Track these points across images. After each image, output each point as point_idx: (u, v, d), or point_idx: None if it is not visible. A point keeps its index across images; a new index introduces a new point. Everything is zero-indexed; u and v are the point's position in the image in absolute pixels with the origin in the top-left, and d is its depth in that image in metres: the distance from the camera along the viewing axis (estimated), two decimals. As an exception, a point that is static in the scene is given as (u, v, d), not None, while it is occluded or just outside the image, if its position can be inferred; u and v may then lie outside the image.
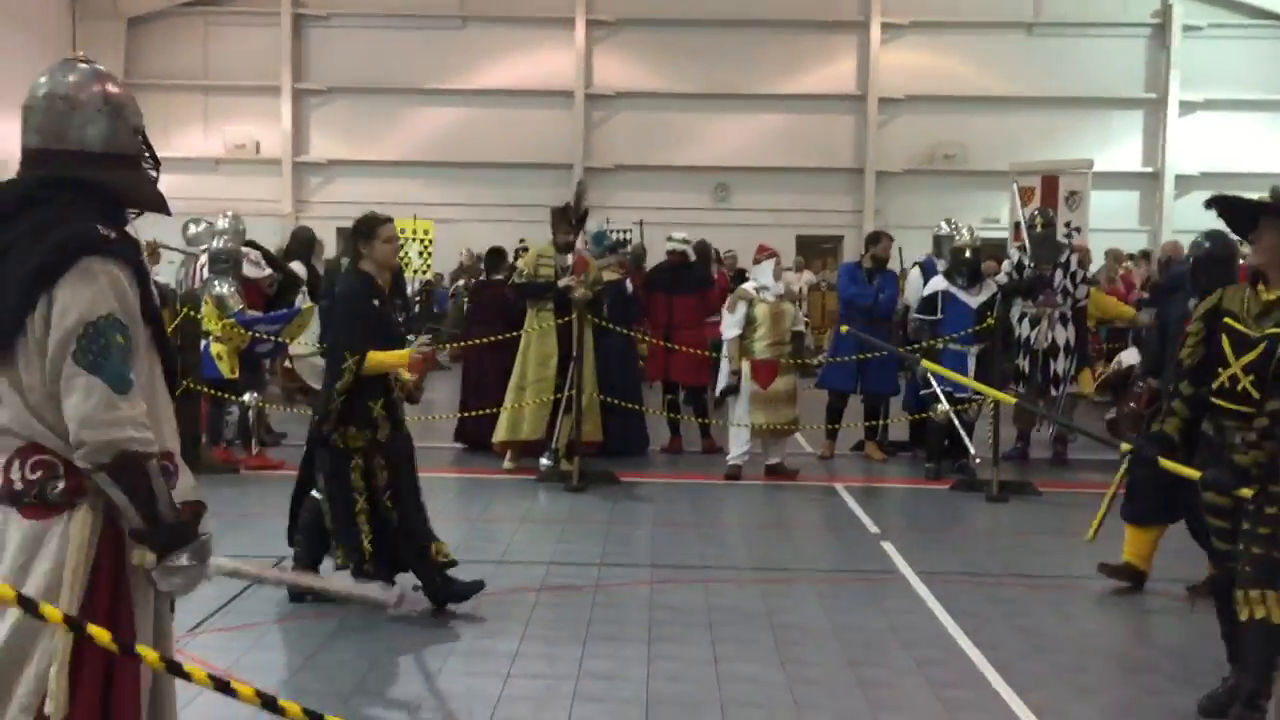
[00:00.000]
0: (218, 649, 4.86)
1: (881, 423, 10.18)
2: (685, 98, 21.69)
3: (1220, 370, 3.99)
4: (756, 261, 9.44)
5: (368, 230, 5.48)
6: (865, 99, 21.63)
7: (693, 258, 11.10)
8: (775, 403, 9.03)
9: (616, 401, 9.35)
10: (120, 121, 2.75)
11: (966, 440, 9.11)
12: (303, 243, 11.16)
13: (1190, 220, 18.53)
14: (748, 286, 9.25)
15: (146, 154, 2.84)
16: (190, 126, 21.58)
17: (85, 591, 2.56)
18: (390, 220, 5.60)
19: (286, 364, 9.65)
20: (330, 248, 21.30)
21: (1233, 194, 4.08)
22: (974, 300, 9.31)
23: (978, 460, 8.91)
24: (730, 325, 9.12)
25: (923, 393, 9.35)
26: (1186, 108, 21.09)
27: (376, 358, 5.36)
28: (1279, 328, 3.84)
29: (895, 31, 21.54)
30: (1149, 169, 21.33)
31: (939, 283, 9.45)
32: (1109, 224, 18.25)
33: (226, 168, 21.67)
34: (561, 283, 8.80)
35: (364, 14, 21.49)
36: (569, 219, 9.17)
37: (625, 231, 17.10)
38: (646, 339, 10.38)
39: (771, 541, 7.40)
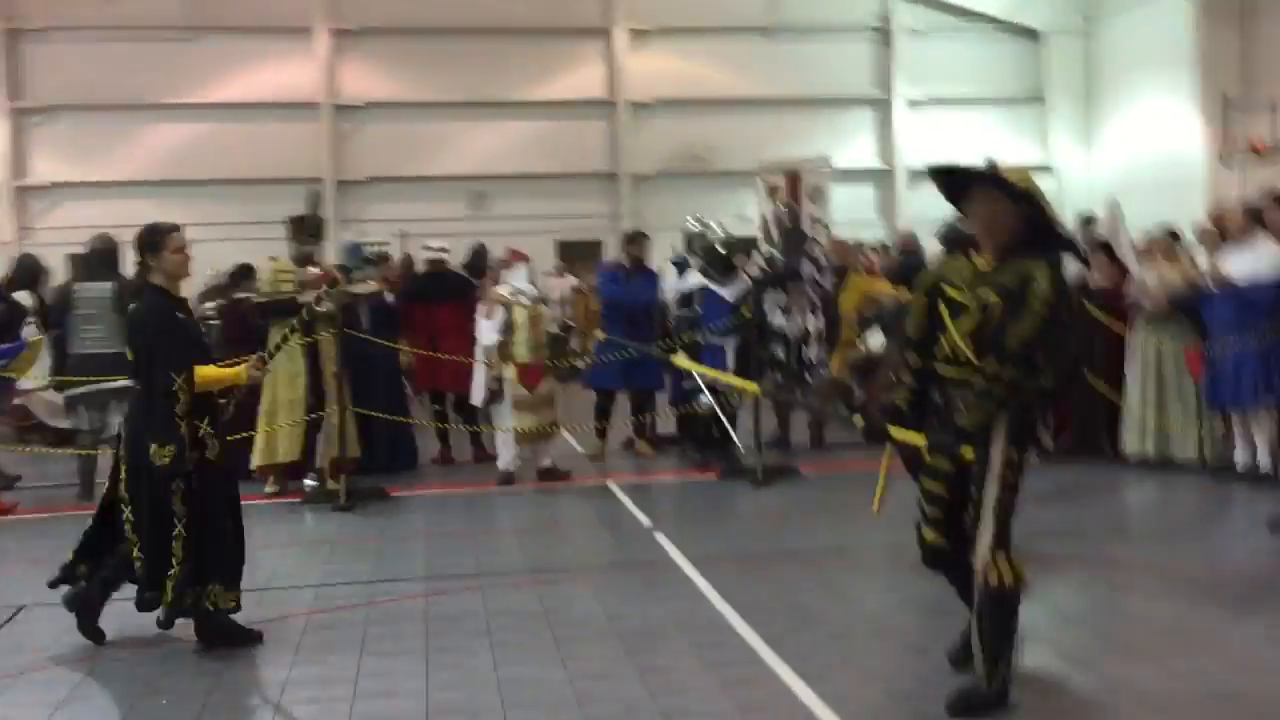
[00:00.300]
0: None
1: (648, 418, 10.36)
2: (437, 106, 21.45)
3: (942, 338, 4.20)
4: (507, 266, 9.44)
5: (154, 242, 5.22)
6: (614, 104, 21.95)
7: (449, 265, 11.00)
8: (538, 406, 9.06)
9: (380, 416, 9.15)
10: None
11: (730, 430, 9.38)
12: (27, 271, 10.42)
13: (923, 211, 19.76)
14: (502, 291, 9.22)
15: None
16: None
17: None
18: (178, 229, 5.33)
19: (17, 401, 8.96)
20: (59, 276, 20.03)
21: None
22: (729, 293, 9.60)
23: (742, 450, 9.19)
24: (489, 331, 9.08)
25: (685, 385, 9.57)
26: (911, 105, 22.38)
27: (210, 374, 5.19)
28: (992, 291, 4.08)
29: (641, 37, 21.95)
30: (883, 164, 22.50)
31: (695, 279, 9.70)
32: (849, 216, 19.12)
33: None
34: (302, 297, 8.50)
35: (86, 27, 20.19)
36: (305, 229, 8.91)
37: (383, 244, 16.72)
38: (403, 349, 10.17)
39: (546, 543, 7.40)
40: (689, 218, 10.52)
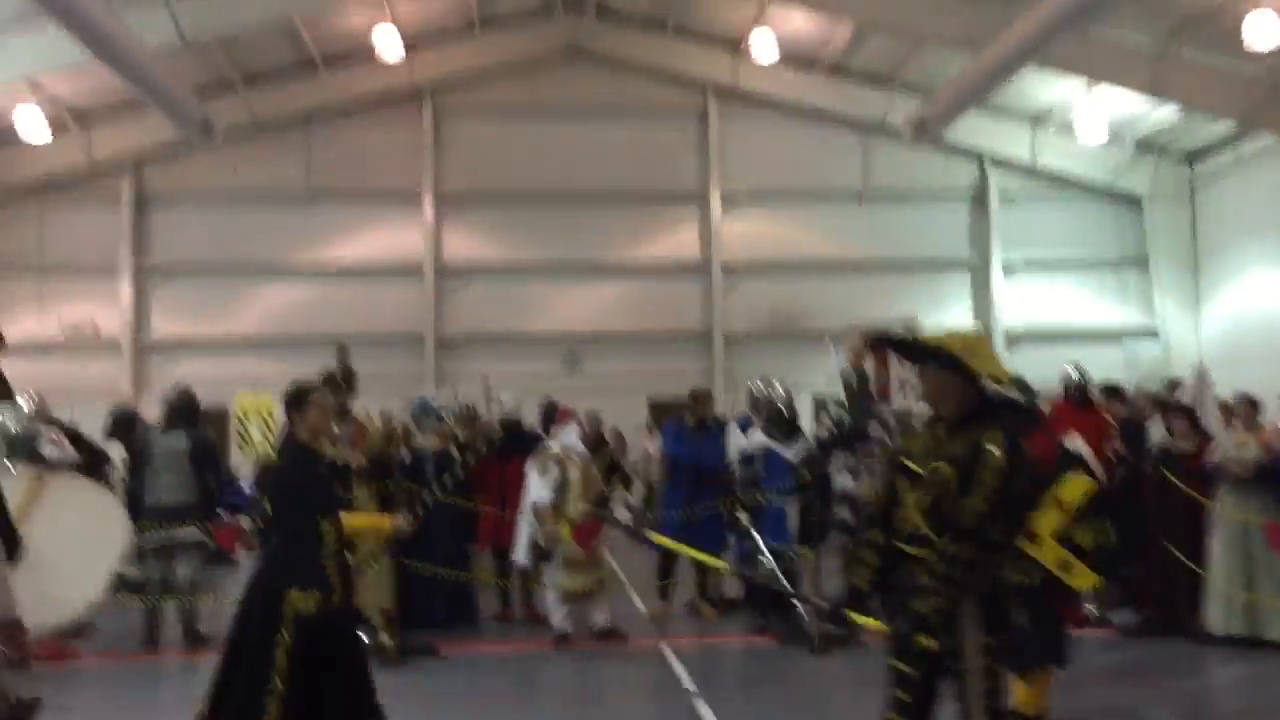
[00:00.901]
0: None
1: (711, 579, 10.18)
2: (535, 268, 22.08)
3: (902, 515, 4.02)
4: (558, 424, 9.51)
5: (298, 400, 5.38)
6: (709, 266, 22.31)
7: (524, 421, 11.12)
8: (588, 565, 8.99)
9: (440, 572, 9.18)
10: None
11: (792, 593, 9.14)
12: (120, 420, 10.83)
13: (1025, 374, 19.38)
14: (553, 448, 9.27)
15: None
16: (24, 310, 21.03)
17: None
18: (320, 388, 5.60)
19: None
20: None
21: (903, 335, 4.24)
22: (791, 454, 9.50)
23: (805, 615, 8.93)
24: (541, 488, 9.10)
25: (746, 545, 9.41)
26: (1009, 269, 22.24)
27: (355, 520, 5.40)
28: (944, 463, 3.93)
29: (734, 202, 22.41)
30: (979, 326, 22.25)
31: (758, 439, 9.64)
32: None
33: (64, 351, 21.07)
34: (331, 454, 8.65)
35: (209, 190, 21.48)
36: (336, 383, 9.15)
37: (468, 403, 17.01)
38: (463, 503, 10.22)
39: (582, 708, 7.24)
40: (755, 380, 10.51)
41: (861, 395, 9.97)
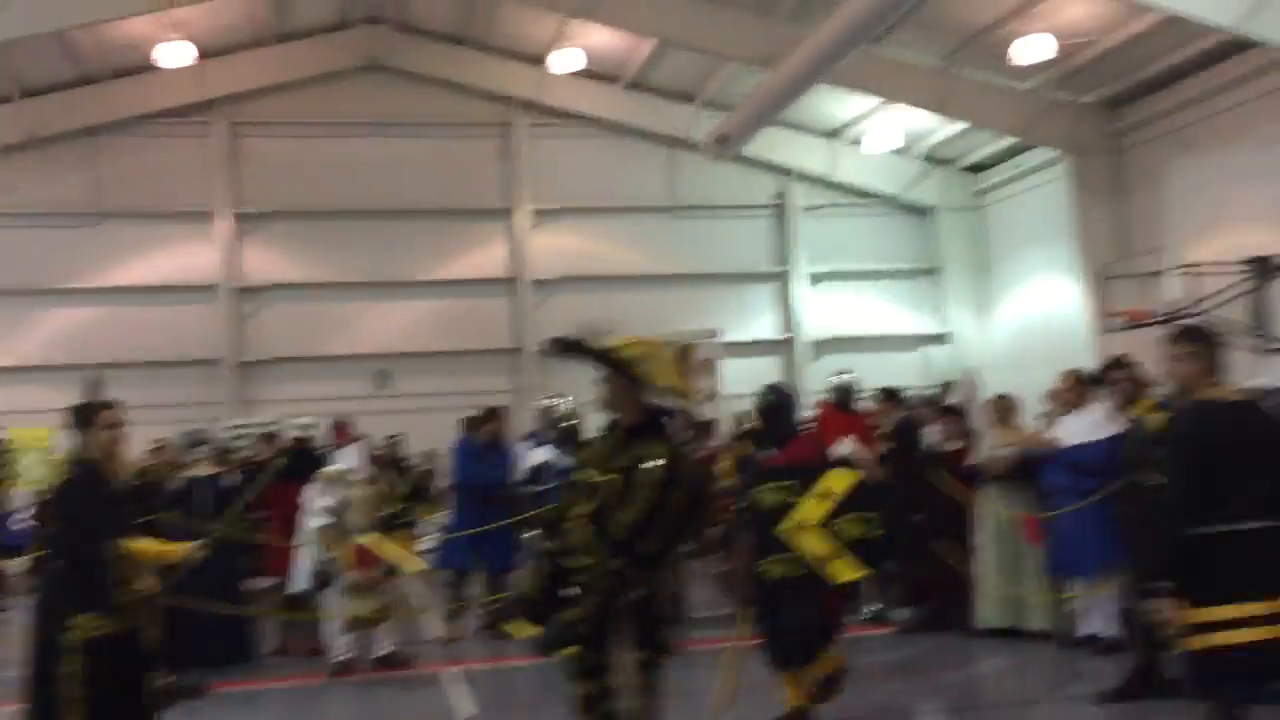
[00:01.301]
0: None
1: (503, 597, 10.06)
2: (340, 286, 21.56)
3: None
4: (338, 446, 9.30)
5: (86, 418, 5.20)
6: (517, 281, 22.20)
7: (315, 443, 10.83)
8: (372, 589, 8.77)
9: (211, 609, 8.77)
10: None
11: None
12: None
13: (825, 379, 19.94)
14: (332, 470, 9.05)
15: None
16: None
17: None
18: (111, 406, 5.34)
19: None
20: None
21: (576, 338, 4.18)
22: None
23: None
24: (320, 512, 8.85)
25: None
26: (810, 279, 22.84)
27: (147, 548, 5.07)
28: (609, 472, 3.93)
29: (542, 217, 22.37)
30: (784, 336, 22.78)
31: (543, 453, 9.60)
32: (751, 387, 19.19)
33: None
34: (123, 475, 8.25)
35: (-14, 213, 20.26)
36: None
37: (270, 424, 16.46)
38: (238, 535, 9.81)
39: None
40: (543, 395, 10.47)
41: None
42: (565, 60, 20.08)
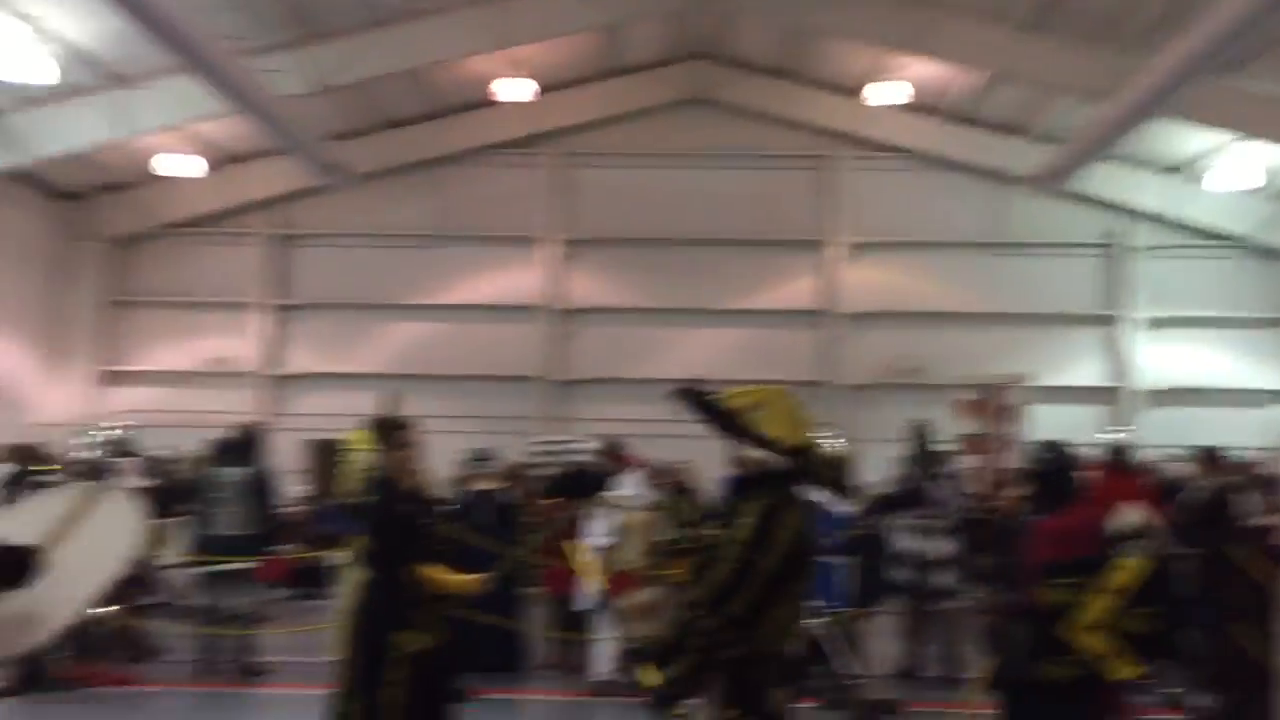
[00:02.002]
0: None
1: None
2: (654, 312, 22.19)
3: None
4: (618, 470, 9.50)
5: (388, 437, 5.45)
6: (826, 313, 22.04)
7: (592, 465, 11.17)
8: (643, 615, 8.88)
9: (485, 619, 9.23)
10: None
11: (836, 656, 8.89)
12: (233, 443, 10.84)
13: (1160, 434, 18.51)
14: (612, 495, 9.27)
15: None
16: (171, 341, 22.26)
17: None
18: (409, 425, 5.48)
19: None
20: (301, 459, 21.62)
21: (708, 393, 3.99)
22: (842, 509, 9.25)
23: (849, 678, 8.67)
24: (595, 536, 9.10)
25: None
26: (1144, 324, 21.28)
27: (438, 577, 5.26)
28: (708, 530, 3.82)
29: (856, 250, 22.11)
30: (1112, 384, 21.33)
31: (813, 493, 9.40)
32: (1066, 436, 18.09)
33: (203, 380, 22.17)
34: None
35: (344, 233, 22.36)
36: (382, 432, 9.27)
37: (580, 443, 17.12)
38: (524, 557, 10.25)
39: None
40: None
41: (925, 451, 9.68)
42: (886, 93, 19.73)
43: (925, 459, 9.78)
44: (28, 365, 21.41)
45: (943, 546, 9.61)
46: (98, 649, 9.00)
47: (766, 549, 3.64)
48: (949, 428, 16.15)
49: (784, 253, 22.27)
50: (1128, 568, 5.53)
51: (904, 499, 9.65)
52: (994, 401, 15.94)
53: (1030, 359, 19.80)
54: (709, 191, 22.03)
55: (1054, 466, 6.12)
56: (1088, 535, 5.88)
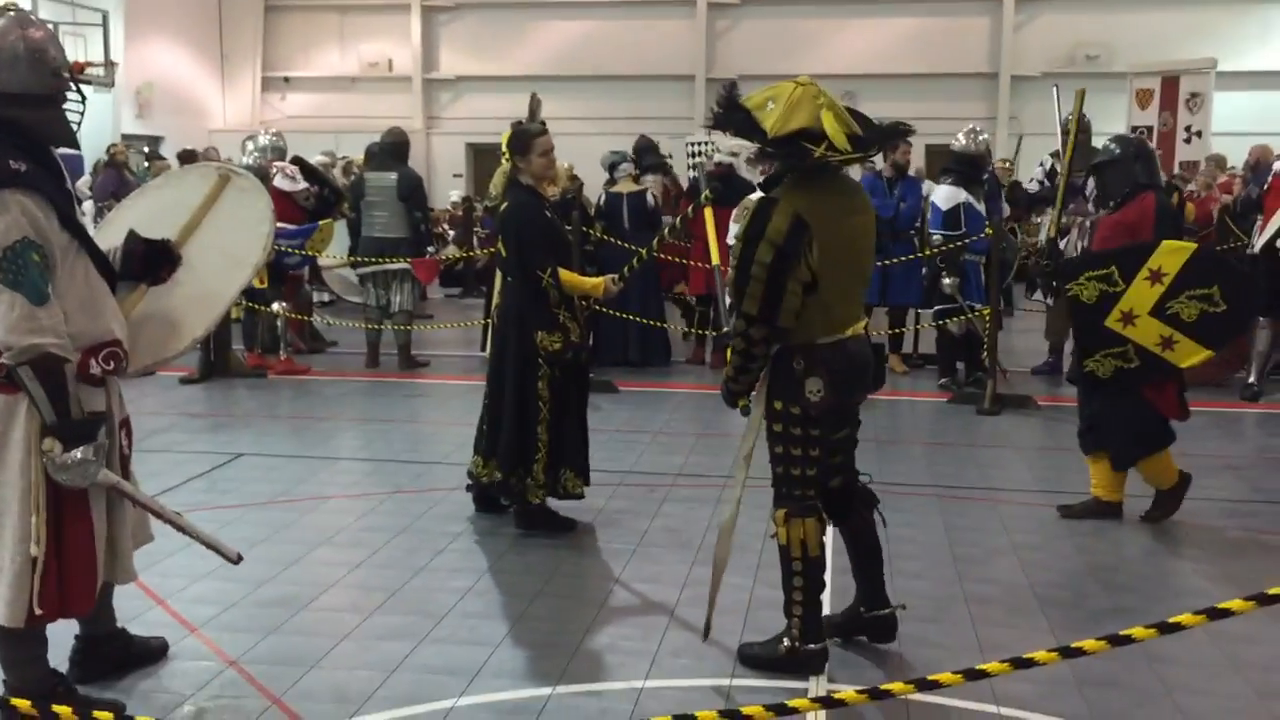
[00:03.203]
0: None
1: (903, 334, 10.06)
2: (810, 3, 21.19)
3: None
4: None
5: (522, 144, 5.44)
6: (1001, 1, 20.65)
7: (740, 170, 11.06)
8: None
9: (625, 315, 9.56)
10: (38, 65, 3.10)
11: (978, 352, 8.95)
12: (387, 147, 10.28)
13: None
14: (753, 197, 9.24)
15: (70, 91, 3.21)
16: (327, 47, 22.54)
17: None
18: (545, 132, 5.51)
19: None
20: (460, 163, 22.09)
21: None
22: (983, 208, 9.05)
23: (988, 374, 8.72)
24: (735, 235, 9.16)
25: (936, 307, 9.19)
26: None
27: (570, 279, 5.40)
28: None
29: (1035, -76, 20.41)
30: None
31: (957, 194, 9.17)
32: (1252, 128, 16.96)
33: (362, 85, 22.53)
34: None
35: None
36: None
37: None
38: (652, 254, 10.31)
39: (714, 450, 7.43)
40: (960, 134, 9.86)
41: (1077, 147, 9.18)
42: None
43: (1076, 153, 9.29)
44: (203, 74, 22.10)
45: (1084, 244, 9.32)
46: (273, 341, 9.71)
47: (755, 245, 3.63)
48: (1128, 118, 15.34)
49: (955, -69, 20.73)
50: (1168, 251, 5.33)
51: (1050, 195, 9.29)
52: (1179, 89, 14.97)
53: (1220, 43, 18.37)
54: None
55: (1117, 161, 5.86)
56: (1133, 227, 5.64)
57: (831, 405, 3.78)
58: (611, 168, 10.38)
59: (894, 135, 3.98)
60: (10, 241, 2.97)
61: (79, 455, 3.12)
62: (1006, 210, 10.45)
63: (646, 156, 11.12)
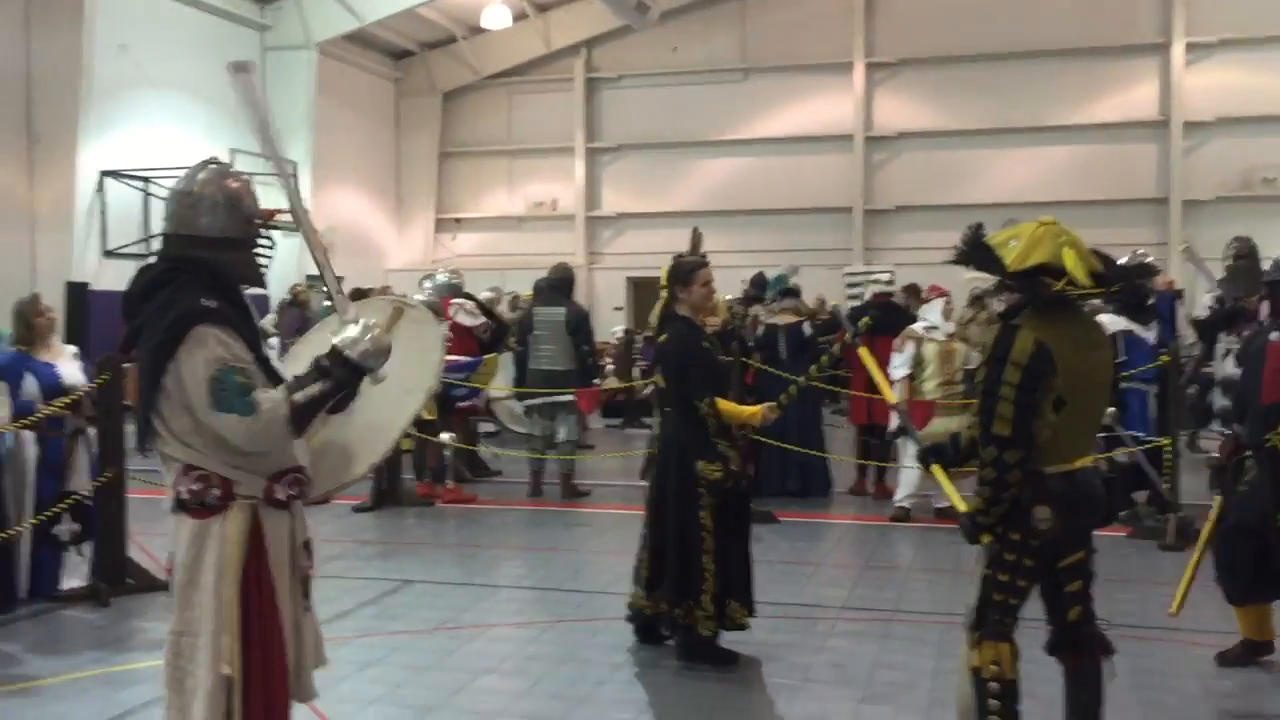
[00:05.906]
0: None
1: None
2: (968, 134, 21.26)
3: None
4: (926, 300, 9.38)
5: (684, 276, 5.55)
6: (1168, 124, 20.29)
7: (898, 298, 11.06)
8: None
9: (784, 445, 9.52)
10: (234, 212, 3.35)
11: (1155, 481, 8.57)
12: (555, 283, 11.00)
13: None
14: (916, 326, 9.23)
15: (261, 236, 3.43)
16: (496, 189, 23.61)
17: (241, 571, 3.27)
18: (706, 264, 5.63)
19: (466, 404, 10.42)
20: (620, 296, 22.57)
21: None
22: (1150, 335, 8.75)
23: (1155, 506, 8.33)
24: (898, 365, 9.14)
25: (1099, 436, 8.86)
26: None
27: (728, 408, 5.53)
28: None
29: (1201, 51, 20.11)
30: None
31: (1117, 323, 8.91)
32: None
33: (528, 225, 23.45)
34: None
35: (651, 73, 22.64)
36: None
37: (886, 273, 16.90)
38: (809, 382, 10.30)
39: (879, 583, 7.28)
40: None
41: (1244, 269, 8.86)
42: None
43: (1240, 277, 8.96)
44: (379, 216, 23.38)
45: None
46: (441, 471, 9.99)
47: (1001, 366, 3.61)
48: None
49: (1116, 59, 20.58)
50: None
51: (1224, 321, 8.95)
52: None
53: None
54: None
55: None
56: None
57: (1058, 535, 3.71)
58: (774, 297, 10.48)
59: (1137, 273, 3.99)
60: (214, 371, 3.15)
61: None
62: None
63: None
